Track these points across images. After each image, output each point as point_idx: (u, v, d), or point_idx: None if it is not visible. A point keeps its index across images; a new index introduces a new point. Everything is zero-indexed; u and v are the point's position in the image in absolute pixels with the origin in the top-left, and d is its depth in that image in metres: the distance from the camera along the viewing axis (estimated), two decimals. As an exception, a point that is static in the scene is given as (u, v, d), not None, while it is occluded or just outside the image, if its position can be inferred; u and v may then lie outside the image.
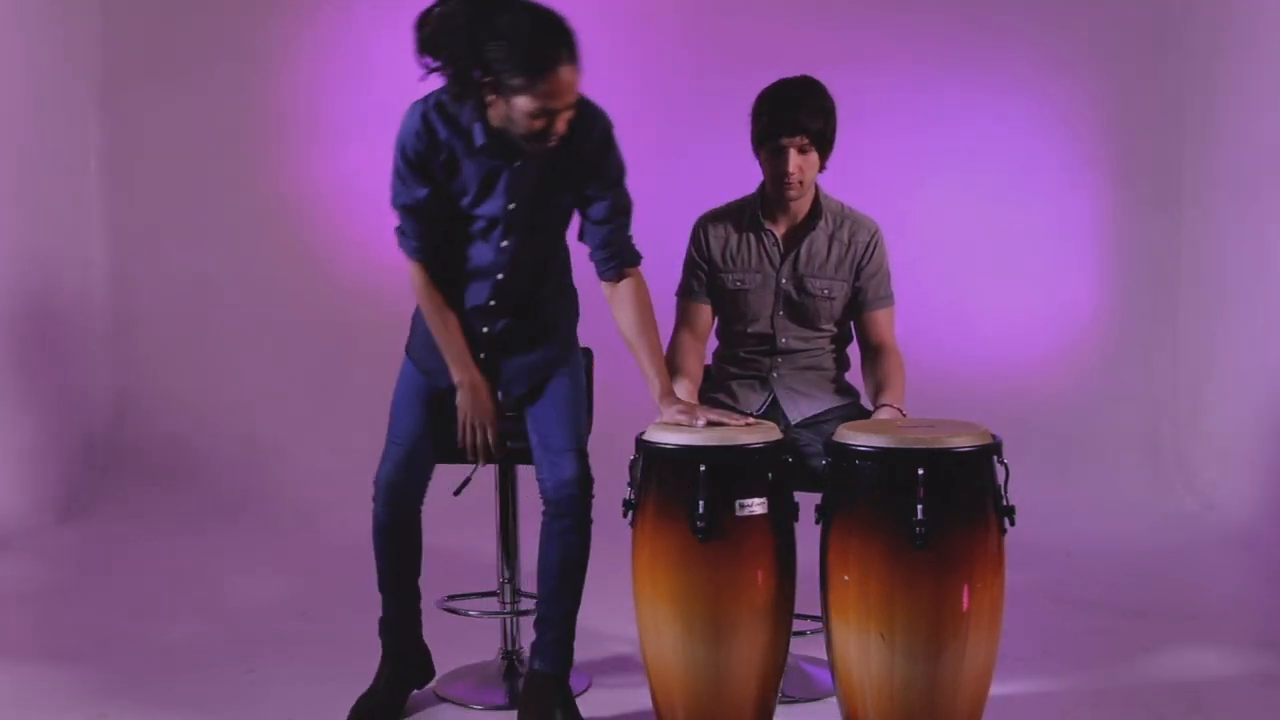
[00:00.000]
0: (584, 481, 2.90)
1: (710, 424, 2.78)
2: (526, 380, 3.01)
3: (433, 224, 2.84)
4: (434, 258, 2.87)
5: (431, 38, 2.59)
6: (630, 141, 5.66)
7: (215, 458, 5.32)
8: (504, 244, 2.85)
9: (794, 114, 3.04)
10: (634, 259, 2.92)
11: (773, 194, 3.16)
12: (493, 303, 2.92)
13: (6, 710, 3.17)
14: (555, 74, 2.54)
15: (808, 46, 5.26)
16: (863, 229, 3.21)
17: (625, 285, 2.90)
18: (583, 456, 2.93)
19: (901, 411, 3.06)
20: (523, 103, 2.56)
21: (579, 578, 2.96)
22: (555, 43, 2.55)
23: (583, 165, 2.80)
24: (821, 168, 3.16)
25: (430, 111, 2.73)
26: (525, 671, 3.06)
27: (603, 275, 2.91)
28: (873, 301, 3.23)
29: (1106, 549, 4.59)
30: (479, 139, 2.70)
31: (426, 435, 3.00)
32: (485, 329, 2.96)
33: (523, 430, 3.05)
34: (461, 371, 2.91)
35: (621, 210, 2.87)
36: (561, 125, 2.61)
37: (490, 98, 2.61)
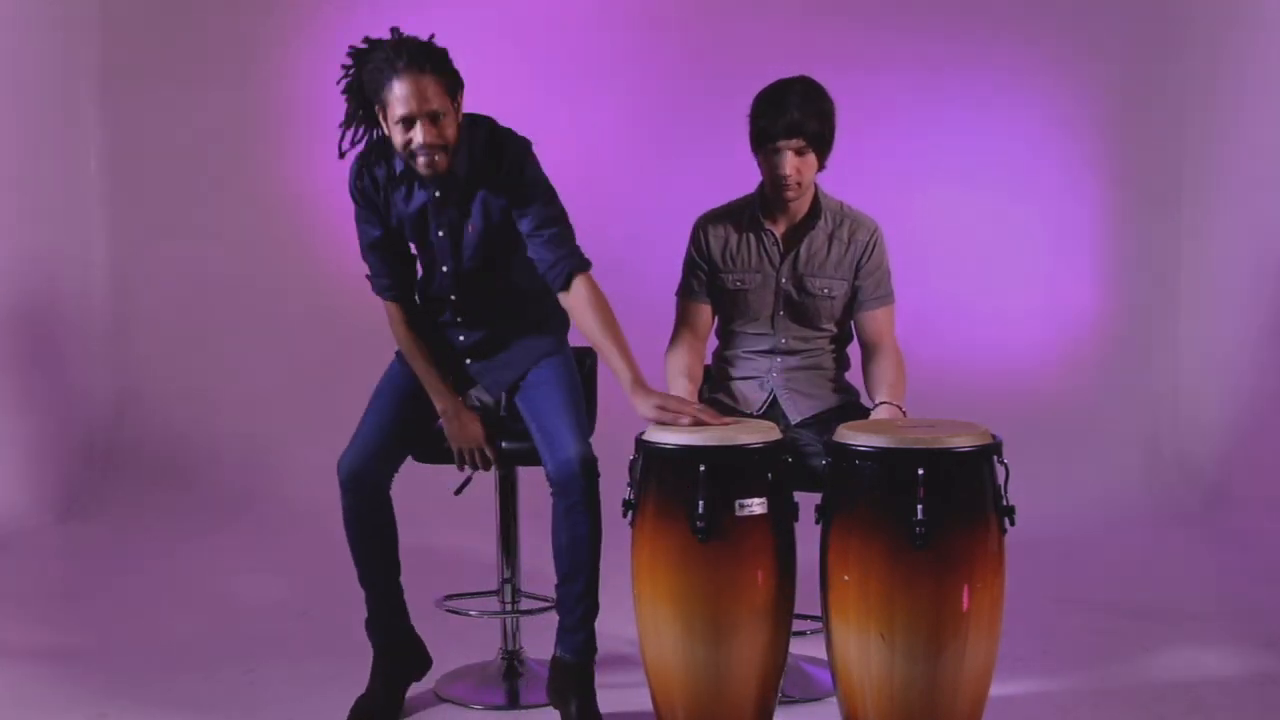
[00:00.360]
0: (585, 459, 2.88)
1: (697, 422, 2.77)
2: (510, 374, 3.08)
3: (395, 262, 3.05)
4: (405, 295, 3.08)
5: (350, 98, 2.90)
6: (631, 141, 5.68)
7: (215, 457, 5.33)
8: (444, 269, 3.00)
9: (790, 116, 3.02)
10: (579, 265, 2.93)
11: (771, 195, 3.16)
12: (459, 319, 3.08)
13: (6, 710, 3.17)
14: (407, 78, 2.73)
15: (808, 47, 5.26)
16: (862, 228, 3.21)
17: (576, 290, 2.91)
18: (582, 435, 2.93)
19: (901, 410, 3.06)
20: (391, 114, 2.77)
21: (589, 560, 2.94)
22: (409, 54, 2.76)
23: (502, 185, 2.91)
24: (821, 167, 3.15)
25: (362, 161, 2.98)
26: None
27: (552, 286, 2.94)
28: (873, 300, 3.22)
29: (1106, 549, 4.60)
30: (398, 167, 2.91)
31: (396, 428, 3.03)
32: (461, 337, 3.11)
33: (520, 429, 3.07)
34: (442, 401, 3.05)
35: (550, 220, 2.91)
36: (426, 134, 2.75)
37: (384, 123, 2.83)
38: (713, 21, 5.42)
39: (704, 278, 3.23)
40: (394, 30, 2.87)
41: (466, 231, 2.95)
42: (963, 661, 2.59)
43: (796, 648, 2.99)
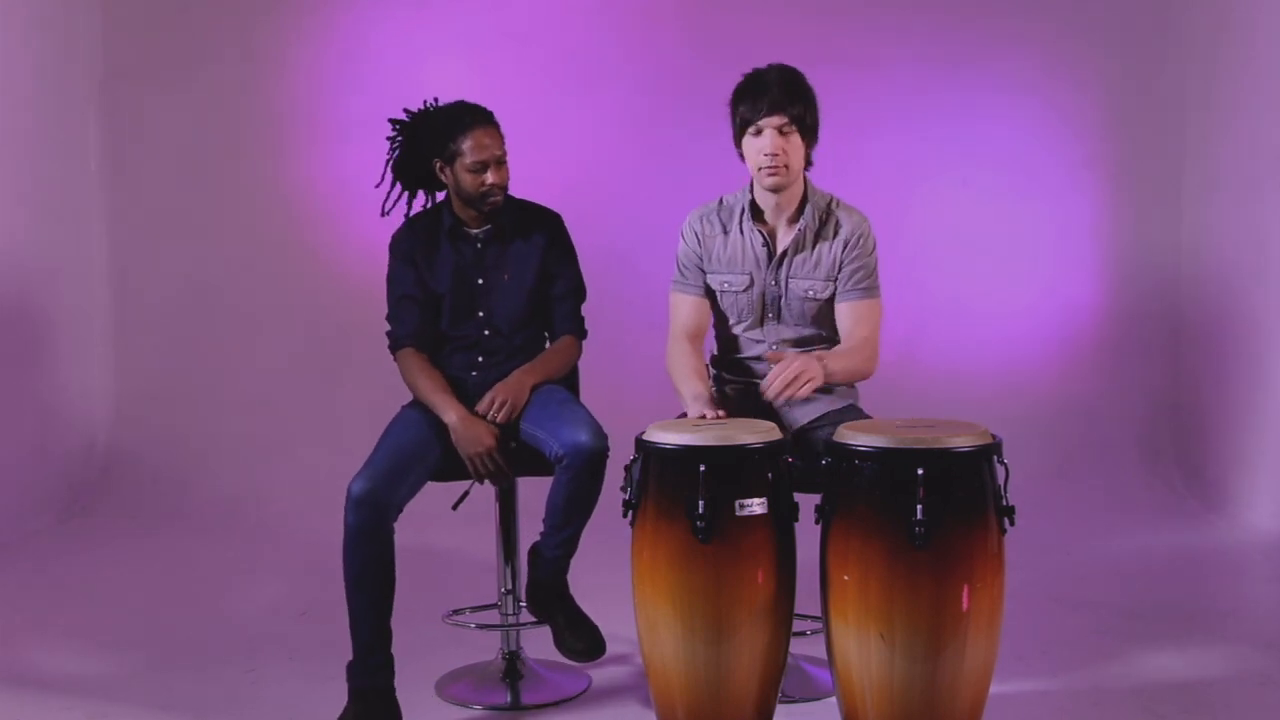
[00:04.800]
0: (597, 447, 2.97)
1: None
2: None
3: (421, 312, 3.26)
4: (424, 343, 3.26)
5: (402, 167, 3.28)
6: (630, 142, 5.68)
7: (215, 457, 5.32)
8: (480, 314, 3.27)
9: (771, 95, 3.01)
10: (577, 330, 3.31)
11: (760, 186, 3.10)
12: (480, 358, 3.27)
13: (7, 710, 3.17)
14: (477, 128, 3.16)
15: (809, 46, 5.24)
16: (849, 222, 3.14)
17: (559, 342, 3.30)
18: (596, 430, 3.00)
19: (822, 366, 2.92)
20: (463, 161, 3.16)
21: (581, 517, 3.04)
22: (476, 111, 3.21)
23: (540, 247, 3.27)
24: (808, 161, 3.11)
25: (412, 221, 3.31)
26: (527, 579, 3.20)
27: (550, 332, 3.34)
28: (852, 290, 3.13)
29: (1106, 549, 4.59)
30: (447, 221, 3.25)
31: (409, 457, 3.04)
32: (474, 374, 3.27)
33: (522, 443, 3.12)
34: (450, 411, 3.12)
35: (573, 292, 3.31)
36: (497, 176, 3.18)
37: (446, 176, 3.21)
38: (714, 18, 5.42)
39: (696, 271, 3.21)
40: (426, 102, 3.28)
41: (504, 281, 3.26)
42: (963, 661, 2.59)
43: (796, 648, 2.99)
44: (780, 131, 3.01)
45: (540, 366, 3.24)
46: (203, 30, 5.44)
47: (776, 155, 3.02)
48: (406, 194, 3.33)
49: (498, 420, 3.11)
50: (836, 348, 3.13)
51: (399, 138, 3.28)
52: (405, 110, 3.29)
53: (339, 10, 5.45)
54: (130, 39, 5.45)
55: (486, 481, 3.16)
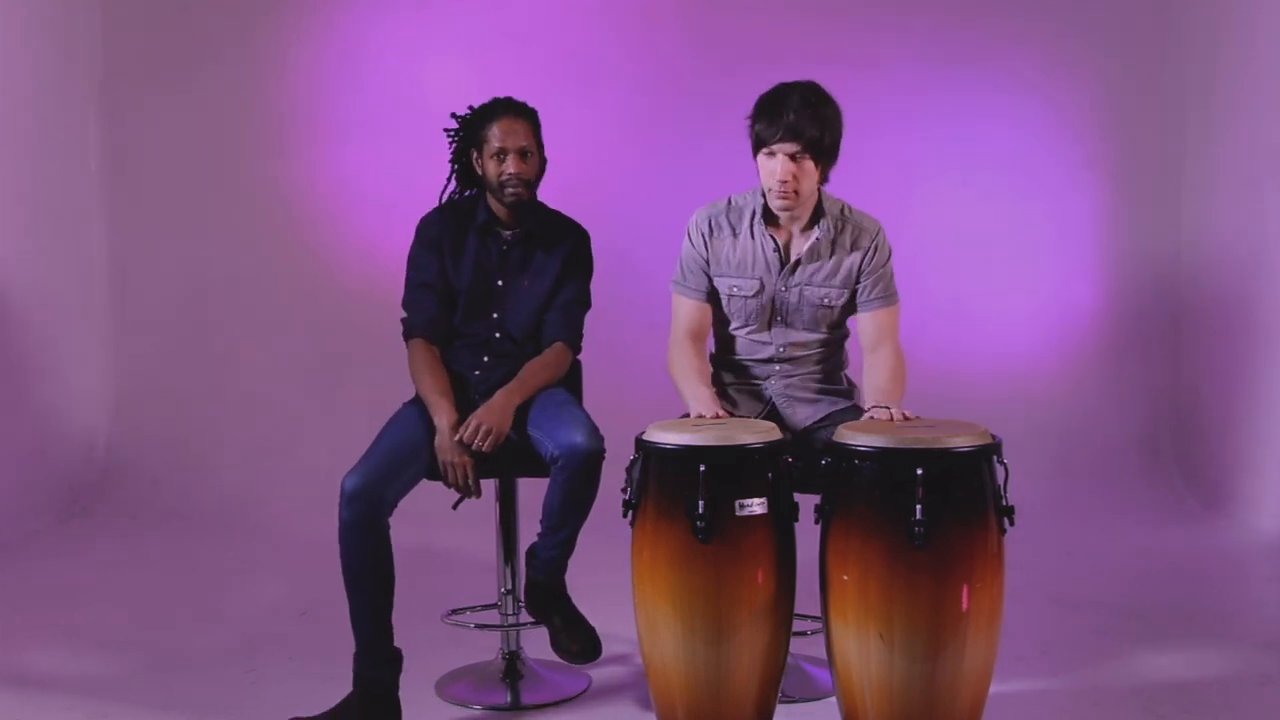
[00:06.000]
0: (592, 448, 2.95)
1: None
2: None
3: (438, 302, 3.24)
4: (438, 334, 3.24)
5: (457, 160, 3.31)
6: (630, 142, 5.68)
7: (215, 458, 5.32)
8: (494, 315, 3.26)
9: (786, 119, 2.95)
10: (571, 340, 3.26)
11: (769, 202, 3.10)
12: (486, 358, 3.25)
13: (7, 710, 3.17)
14: (506, 116, 3.19)
15: (809, 46, 5.26)
16: (865, 233, 3.14)
17: (550, 350, 3.24)
18: (593, 432, 2.99)
19: (903, 413, 2.97)
20: (488, 148, 3.18)
21: (577, 518, 3.03)
22: (510, 103, 3.24)
23: (559, 254, 3.26)
24: (824, 178, 3.08)
25: (445, 208, 3.32)
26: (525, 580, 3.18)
27: (542, 337, 3.29)
28: (875, 300, 3.16)
29: (1106, 549, 4.60)
30: (481, 216, 3.24)
31: (404, 457, 3.03)
32: (478, 372, 3.25)
33: (526, 445, 3.11)
34: (443, 417, 3.09)
35: (576, 302, 3.28)
36: (517, 166, 3.17)
37: (479, 167, 3.22)
38: (714, 18, 5.42)
39: (701, 273, 3.20)
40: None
41: (523, 287, 3.25)
42: (962, 661, 2.59)
43: (796, 648, 2.99)
44: (793, 158, 2.98)
45: (524, 385, 3.16)
46: (203, 30, 5.44)
47: (786, 182, 3.00)
48: (457, 187, 3.34)
49: (484, 450, 3.05)
50: (883, 376, 3.11)
51: (459, 132, 3.30)
52: (470, 106, 3.30)
53: (339, 10, 5.45)
54: (130, 39, 5.45)
55: (474, 495, 3.12)
